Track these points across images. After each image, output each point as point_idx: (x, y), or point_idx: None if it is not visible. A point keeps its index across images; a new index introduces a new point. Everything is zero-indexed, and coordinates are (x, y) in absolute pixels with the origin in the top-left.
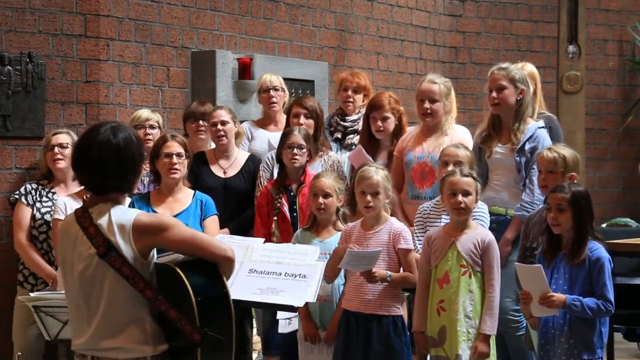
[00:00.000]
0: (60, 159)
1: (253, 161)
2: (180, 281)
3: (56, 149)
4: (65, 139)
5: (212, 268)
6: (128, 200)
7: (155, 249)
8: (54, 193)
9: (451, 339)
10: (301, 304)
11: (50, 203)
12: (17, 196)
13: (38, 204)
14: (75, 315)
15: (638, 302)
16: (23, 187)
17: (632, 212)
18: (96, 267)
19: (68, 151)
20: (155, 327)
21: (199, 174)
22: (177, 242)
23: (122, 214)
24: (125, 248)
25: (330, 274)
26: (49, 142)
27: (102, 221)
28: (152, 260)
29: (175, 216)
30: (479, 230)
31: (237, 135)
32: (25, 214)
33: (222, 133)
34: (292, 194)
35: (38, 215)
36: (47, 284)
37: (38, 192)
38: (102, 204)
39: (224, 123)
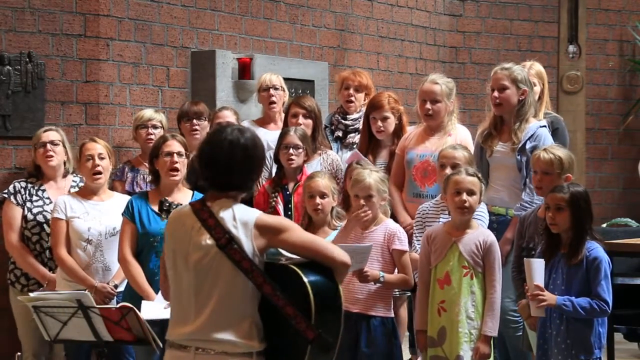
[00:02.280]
0: (52, 156)
1: None
2: (299, 280)
3: (48, 146)
4: (56, 136)
5: (328, 272)
6: (127, 197)
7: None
8: (43, 191)
9: (451, 340)
10: None
11: (41, 202)
12: (5, 195)
13: (29, 204)
14: (182, 304)
15: (638, 302)
16: (12, 186)
17: (633, 212)
18: (213, 257)
19: (59, 148)
20: (259, 323)
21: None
22: (296, 244)
23: (245, 211)
24: (247, 243)
25: None
26: (40, 139)
27: (225, 215)
28: (264, 259)
29: None
30: (480, 231)
31: None
32: (15, 214)
33: None
34: (288, 192)
35: (30, 216)
36: (39, 284)
37: (27, 191)
38: (224, 199)
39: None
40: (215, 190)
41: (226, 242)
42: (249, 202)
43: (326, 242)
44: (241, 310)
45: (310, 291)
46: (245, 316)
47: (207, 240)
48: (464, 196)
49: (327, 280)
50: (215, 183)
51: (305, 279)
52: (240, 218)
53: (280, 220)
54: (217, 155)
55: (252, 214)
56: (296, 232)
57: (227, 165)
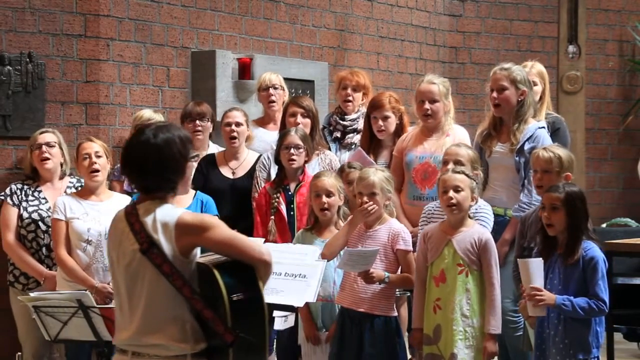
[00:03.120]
0: (48, 158)
1: None
2: (215, 281)
3: (44, 148)
4: (52, 137)
5: (249, 270)
6: (126, 197)
7: (198, 249)
8: (40, 192)
9: (446, 338)
10: (301, 304)
11: (36, 202)
12: (2, 197)
13: (24, 204)
14: (120, 310)
15: (638, 302)
16: (8, 188)
17: (632, 212)
18: (138, 262)
19: (55, 150)
20: (195, 325)
21: (208, 176)
22: (217, 242)
23: (167, 213)
24: (167, 246)
25: (330, 250)
26: (36, 141)
27: (148, 218)
28: (194, 259)
29: None
30: (475, 229)
31: (247, 138)
32: (11, 214)
33: (235, 135)
34: (289, 193)
35: (25, 215)
36: (38, 283)
37: (24, 192)
38: (149, 202)
39: (238, 125)
40: (140, 192)
41: (147, 247)
42: (249, 204)
43: (247, 239)
44: (170, 314)
45: (224, 292)
46: (176, 319)
47: (133, 245)
48: (450, 193)
49: (246, 280)
50: (136, 185)
51: (220, 280)
52: (161, 220)
53: (202, 218)
54: (129, 157)
55: (174, 214)
56: (217, 229)
57: (139, 167)
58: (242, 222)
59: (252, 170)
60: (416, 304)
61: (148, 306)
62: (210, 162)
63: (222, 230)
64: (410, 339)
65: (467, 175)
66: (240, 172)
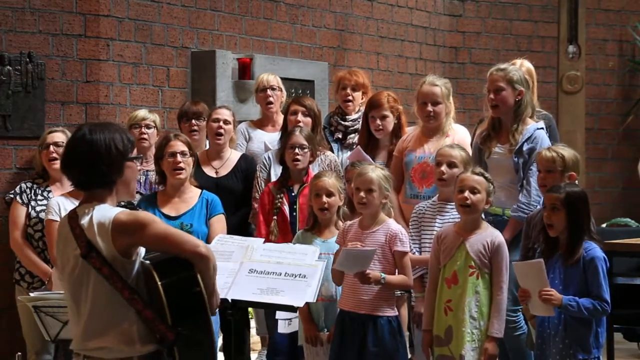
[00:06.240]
0: (56, 158)
1: (245, 160)
2: (154, 280)
3: (51, 148)
4: (61, 137)
5: (187, 266)
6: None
7: (142, 248)
8: (49, 192)
9: (457, 339)
10: (301, 304)
11: (45, 202)
12: (12, 195)
13: (33, 203)
14: (70, 315)
15: (638, 302)
16: (18, 187)
17: (632, 212)
18: (81, 267)
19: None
20: (141, 327)
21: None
22: (152, 239)
23: (104, 213)
24: (105, 247)
25: (335, 277)
26: (44, 140)
27: (85, 221)
28: (137, 259)
29: (180, 216)
30: (489, 231)
31: (230, 139)
32: (20, 213)
33: (221, 132)
34: (293, 194)
35: (33, 214)
36: (43, 282)
37: (33, 191)
38: (87, 204)
39: (226, 122)
40: (80, 190)
41: (87, 251)
42: (244, 202)
43: (182, 233)
44: (114, 317)
45: (161, 290)
46: (120, 322)
47: (75, 250)
48: (466, 193)
49: (185, 276)
50: (70, 180)
51: (157, 278)
52: (97, 221)
53: (137, 216)
54: (64, 153)
55: (110, 214)
56: (151, 227)
57: (70, 160)
58: (228, 220)
59: (235, 169)
60: (427, 306)
61: (93, 310)
62: None
63: (156, 226)
64: (422, 341)
65: (486, 178)
66: (224, 172)
